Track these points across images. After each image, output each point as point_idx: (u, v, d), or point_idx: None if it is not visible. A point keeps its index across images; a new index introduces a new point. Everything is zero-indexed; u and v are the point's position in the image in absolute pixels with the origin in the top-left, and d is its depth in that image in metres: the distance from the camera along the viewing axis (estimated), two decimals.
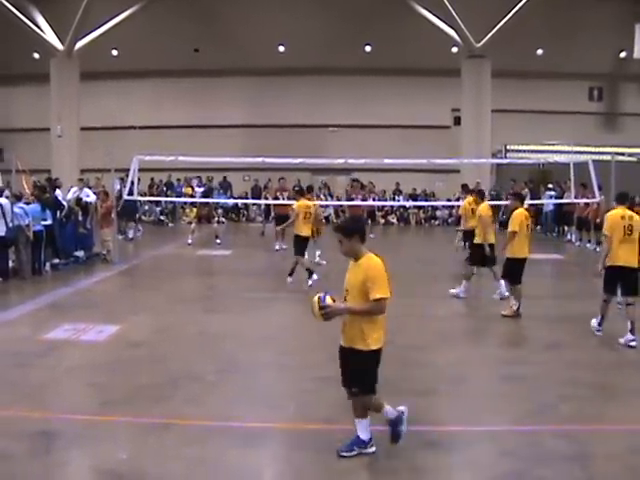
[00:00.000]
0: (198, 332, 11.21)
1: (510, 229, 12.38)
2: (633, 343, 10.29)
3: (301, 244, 15.83)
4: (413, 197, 33.72)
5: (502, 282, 13.55)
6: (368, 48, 35.24)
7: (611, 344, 10.52)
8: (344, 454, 6.30)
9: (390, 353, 10.05)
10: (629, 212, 10.96)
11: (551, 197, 27.63)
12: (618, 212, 10.89)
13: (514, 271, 12.39)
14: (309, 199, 17.05)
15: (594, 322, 11.03)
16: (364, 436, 6.39)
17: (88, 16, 30.53)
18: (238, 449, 6.55)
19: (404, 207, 32.47)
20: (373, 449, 6.40)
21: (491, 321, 12.39)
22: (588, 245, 22.75)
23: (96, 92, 34.54)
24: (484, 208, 14.33)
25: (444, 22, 31.70)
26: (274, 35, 34.47)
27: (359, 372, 6.32)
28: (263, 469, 6.32)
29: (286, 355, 9.89)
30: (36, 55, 34.76)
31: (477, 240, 14.08)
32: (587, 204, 22.34)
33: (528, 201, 26.97)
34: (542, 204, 27.62)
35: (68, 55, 32.05)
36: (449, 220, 27.71)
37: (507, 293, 13.37)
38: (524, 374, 8.97)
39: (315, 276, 15.53)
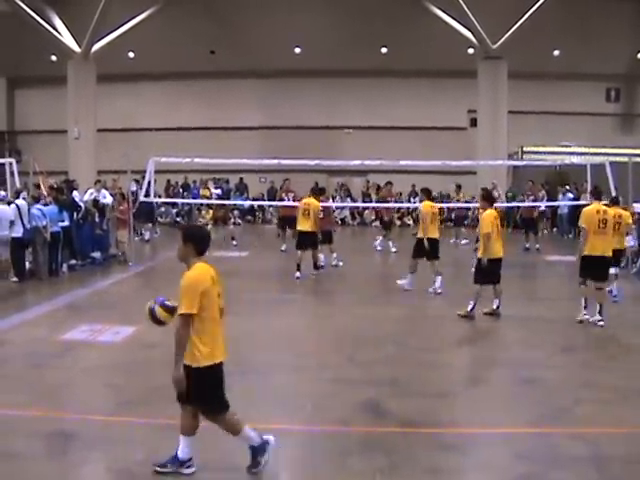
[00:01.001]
0: None
1: (483, 231, 12.29)
2: (601, 323, 11.62)
3: (298, 238, 16.97)
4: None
5: (439, 277, 14.59)
6: (384, 50, 35.18)
7: (627, 347, 10.48)
8: (157, 468, 5.98)
9: (404, 355, 10.13)
10: (604, 207, 12.38)
11: (568, 199, 27.51)
12: (594, 207, 12.15)
13: (489, 271, 12.23)
14: (317, 199, 17.53)
15: (583, 313, 11.98)
16: (182, 455, 5.98)
17: (105, 19, 30.64)
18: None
19: (416, 209, 32.32)
20: (191, 470, 5.97)
21: (507, 323, 12.35)
22: None
23: (113, 94, 34.69)
24: (426, 205, 15.15)
25: (460, 23, 31.59)
26: (290, 37, 34.47)
27: (194, 390, 5.84)
28: (279, 470, 6.32)
29: (302, 356, 9.90)
30: (53, 57, 34.92)
31: (419, 235, 15.03)
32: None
33: (545, 202, 27.05)
34: (558, 206, 27.55)
35: (85, 57, 32.17)
36: (465, 222, 27.61)
37: (440, 290, 14.44)
38: (539, 376, 8.95)
39: (298, 274, 16.31)
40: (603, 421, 7.38)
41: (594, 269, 11.92)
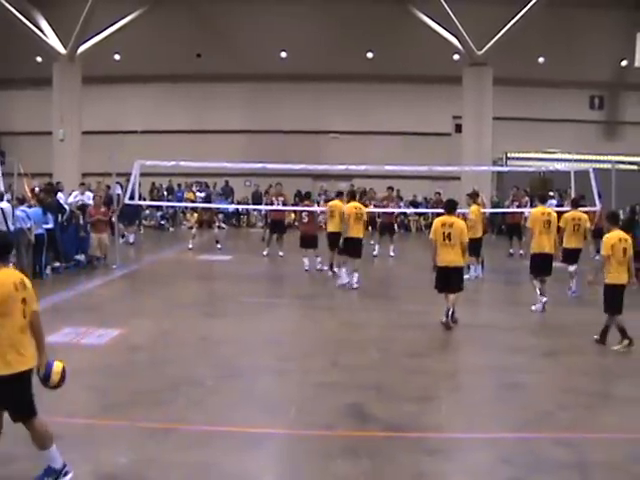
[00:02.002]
0: (199, 337, 11.23)
1: (430, 237, 12.21)
2: (544, 299, 13.32)
3: (328, 239, 17.44)
4: (414, 204, 33.72)
5: (343, 270, 16.01)
6: (370, 55, 35.27)
7: (610, 352, 10.55)
8: None
9: (388, 359, 10.15)
10: (548, 209, 14.34)
11: (552, 205, 27.59)
12: (539, 210, 14.00)
13: (438, 279, 12.08)
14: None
15: (538, 306, 13.37)
16: (55, 464, 5.79)
17: (91, 21, 30.55)
18: (238, 454, 6.56)
19: (404, 214, 32.42)
20: (69, 476, 5.81)
21: (490, 328, 12.40)
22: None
23: (98, 96, 34.55)
24: (348, 207, 16.16)
25: (446, 30, 31.72)
26: (276, 41, 34.49)
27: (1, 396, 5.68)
28: (263, 474, 6.33)
29: (286, 360, 9.91)
30: (39, 59, 34.77)
31: (344, 234, 15.93)
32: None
33: (528, 209, 27.12)
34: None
35: (70, 59, 32.07)
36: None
37: (345, 282, 15.82)
38: (523, 381, 8.99)
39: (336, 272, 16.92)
40: (586, 426, 7.43)
41: (541, 264, 13.58)
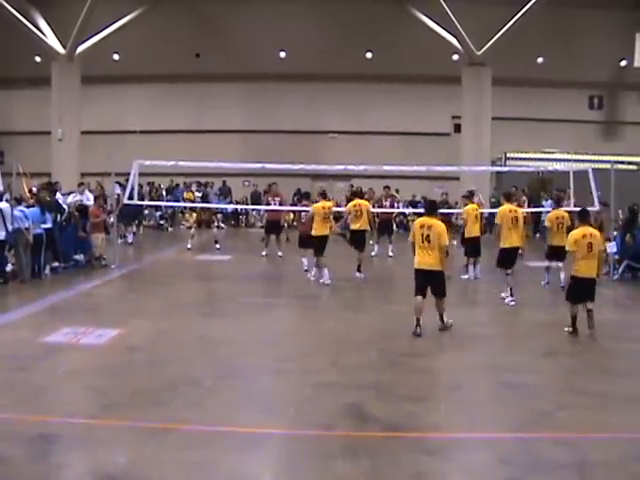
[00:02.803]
0: (197, 337, 11.22)
1: (409, 239, 11.91)
2: (512, 303, 13.98)
3: (351, 237, 18.36)
4: (412, 204, 33.69)
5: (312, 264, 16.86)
6: (369, 55, 35.28)
7: (609, 352, 10.56)
8: None
9: (386, 359, 10.14)
10: (514, 207, 15.30)
11: (550, 205, 27.58)
12: (507, 207, 14.95)
13: (417, 282, 11.61)
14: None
15: (508, 299, 14.14)
16: None
17: (90, 20, 30.54)
18: (237, 454, 6.56)
19: (403, 214, 32.41)
20: None
21: (490, 328, 12.41)
22: None
23: (97, 96, 34.56)
24: (316, 206, 16.87)
25: (445, 30, 31.75)
26: (275, 41, 34.50)
27: None
28: (262, 474, 6.32)
29: (285, 360, 9.90)
30: (37, 58, 34.77)
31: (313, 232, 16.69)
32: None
33: (526, 209, 27.13)
34: (540, 212, 27.62)
35: (69, 59, 32.06)
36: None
37: (313, 278, 16.66)
38: (521, 381, 8.98)
39: (358, 274, 17.37)
40: (585, 426, 7.42)
41: (507, 257, 14.56)
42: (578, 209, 12.56)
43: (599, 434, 7.20)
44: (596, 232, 11.67)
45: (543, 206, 25.50)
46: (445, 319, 11.68)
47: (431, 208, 11.97)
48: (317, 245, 16.53)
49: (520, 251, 14.88)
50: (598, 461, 6.53)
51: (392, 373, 9.43)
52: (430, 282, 11.49)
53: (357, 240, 17.89)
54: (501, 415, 7.87)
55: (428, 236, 11.36)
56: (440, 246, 11.37)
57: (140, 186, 24.43)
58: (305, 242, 18.07)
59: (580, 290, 11.36)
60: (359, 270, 17.37)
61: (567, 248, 11.51)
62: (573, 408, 8.01)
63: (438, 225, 11.52)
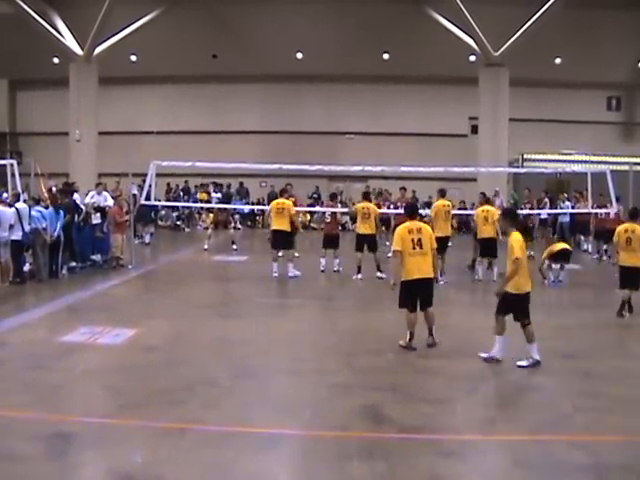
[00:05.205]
0: (214, 337, 11.24)
1: (393, 248, 10.88)
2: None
3: (357, 240, 18.19)
4: (429, 205, 33.56)
5: (290, 265, 17.65)
6: (386, 56, 35.24)
7: (627, 355, 10.48)
8: None
9: (403, 361, 10.11)
10: (487, 207, 17.78)
11: (567, 207, 27.42)
12: (484, 208, 17.74)
13: (407, 295, 10.66)
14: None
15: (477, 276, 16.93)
16: None
17: (107, 22, 30.71)
18: (253, 454, 6.56)
19: (420, 215, 32.27)
20: None
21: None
22: (604, 257, 22.41)
23: (114, 97, 34.77)
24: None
25: (462, 30, 31.66)
26: (292, 42, 34.53)
27: None
28: (278, 475, 6.32)
29: (301, 361, 9.90)
30: (55, 60, 35.01)
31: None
32: (607, 214, 22.04)
33: (547, 210, 26.99)
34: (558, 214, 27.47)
35: (87, 60, 32.24)
36: (462, 229, 27.78)
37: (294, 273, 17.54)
38: (539, 384, 8.95)
39: (359, 275, 17.57)
40: (602, 429, 7.37)
41: (486, 249, 17.26)
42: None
43: (616, 437, 7.14)
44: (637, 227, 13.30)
45: (561, 207, 25.30)
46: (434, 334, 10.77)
47: (413, 211, 11.22)
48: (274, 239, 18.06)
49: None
50: (616, 464, 6.48)
51: (408, 375, 9.42)
52: (422, 292, 10.57)
53: (367, 243, 17.76)
54: (518, 417, 7.84)
55: (420, 240, 10.48)
56: (432, 249, 10.63)
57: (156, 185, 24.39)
58: (329, 242, 18.06)
59: (628, 278, 13.12)
60: (379, 269, 17.37)
61: (614, 240, 13.54)
62: (591, 411, 7.95)
63: (426, 227, 10.93)
